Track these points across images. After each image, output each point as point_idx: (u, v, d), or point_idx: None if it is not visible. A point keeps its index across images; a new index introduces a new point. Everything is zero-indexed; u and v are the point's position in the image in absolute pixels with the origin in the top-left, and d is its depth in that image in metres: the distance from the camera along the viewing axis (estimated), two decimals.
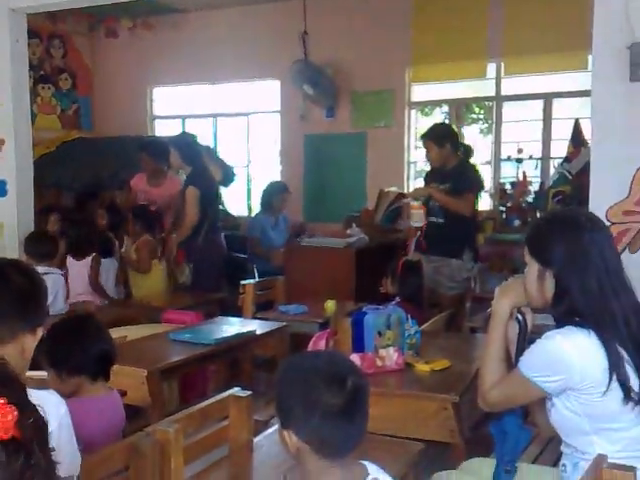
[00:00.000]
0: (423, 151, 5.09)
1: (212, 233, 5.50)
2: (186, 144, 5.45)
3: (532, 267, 1.88)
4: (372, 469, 1.46)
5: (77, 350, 2.21)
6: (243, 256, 6.55)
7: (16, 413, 0.78)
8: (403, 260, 4.51)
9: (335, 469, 1.41)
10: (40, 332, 1.66)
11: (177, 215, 5.80)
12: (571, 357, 1.74)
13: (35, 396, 1.46)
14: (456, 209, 4.67)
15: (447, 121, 7.48)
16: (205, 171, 5.50)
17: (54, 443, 1.43)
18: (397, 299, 3.92)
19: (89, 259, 4.94)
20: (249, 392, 2.21)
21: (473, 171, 4.90)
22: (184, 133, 5.90)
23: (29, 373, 2.67)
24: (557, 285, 1.82)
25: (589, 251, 1.80)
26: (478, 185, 4.78)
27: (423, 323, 3.87)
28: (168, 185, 5.95)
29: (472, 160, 5.19)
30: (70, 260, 4.97)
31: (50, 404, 1.49)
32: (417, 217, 4.94)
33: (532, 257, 1.89)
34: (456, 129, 7.20)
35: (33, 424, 0.82)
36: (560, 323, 1.82)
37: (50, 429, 1.42)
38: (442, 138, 4.79)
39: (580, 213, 1.98)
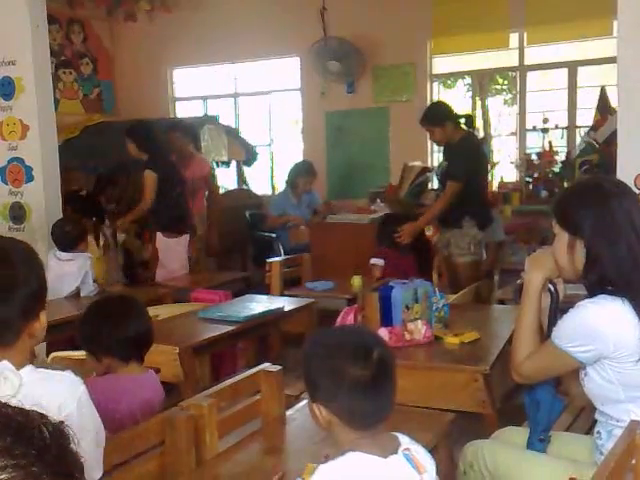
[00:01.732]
0: None
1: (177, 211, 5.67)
2: (140, 134, 5.54)
3: (562, 238, 1.86)
4: (404, 440, 1.46)
5: (105, 332, 2.21)
6: (268, 235, 6.57)
7: None
8: (386, 214, 5.14)
9: (366, 440, 1.42)
10: (44, 316, 1.56)
11: (209, 196, 6.15)
12: (604, 326, 1.73)
13: (52, 377, 1.50)
14: (441, 209, 4.74)
15: (470, 93, 7.42)
16: (163, 157, 5.57)
17: (75, 422, 1.47)
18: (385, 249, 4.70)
19: (184, 237, 5.31)
20: (279, 367, 2.23)
21: (470, 150, 4.80)
22: (140, 122, 6.05)
23: (67, 353, 2.74)
24: (588, 254, 1.80)
25: (618, 217, 1.77)
26: (466, 171, 4.68)
27: (405, 268, 4.40)
28: (196, 167, 6.02)
29: (476, 131, 5.32)
30: (162, 238, 5.23)
31: (67, 384, 1.53)
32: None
33: (561, 227, 1.87)
34: (478, 101, 7.17)
35: None
36: (592, 292, 1.80)
37: (68, 410, 1.47)
38: (440, 118, 4.75)
39: (607, 180, 1.95)
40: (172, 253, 5.30)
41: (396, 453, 1.41)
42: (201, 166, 6.08)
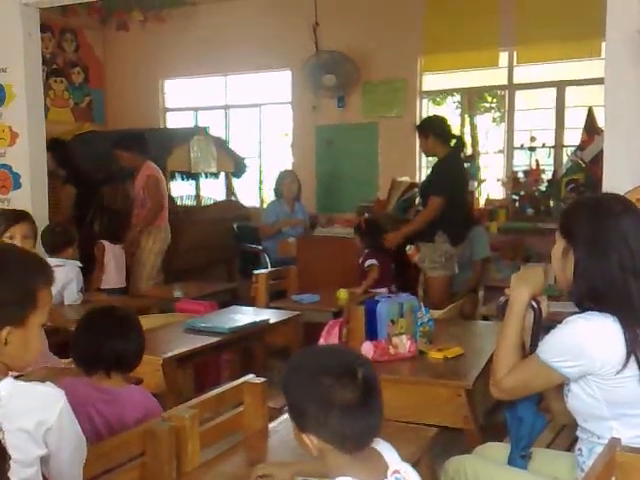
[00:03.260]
0: None
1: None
2: (59, 150, 5.73)
3: (558, 243, 1.90)
4: (391, 459, 1.43)
5: (82, 344, 2.20)
6: (255, 247, 6.57)
7: None
8: (365, 218, 5.40)
9: (358, 463, 1.39)
10: (6, 332, 1.49)
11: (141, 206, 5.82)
12: (593, 342, 1.74)
13: (32, 391, 1.50)
14: (423, 222, 4.85)
15: (459, 110, 7.47)
16: (81, 173, 5.83)
17: (55, 435, 1.50)
18: (366, 251, 5.00)
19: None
20: (263, 379, 2.22)
21: (451, 167, 4.90)
22: (57, 139, 6.08)
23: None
24: (576, 265, 1.83)
25: (611, 236, 1.78)
26: (448, 187, 4.78)
27: (392, 272, 4.79)
28: (140, 175, 5.81)
29: (464, 152, 5.43)
30: (108, 245, 5.36)
31: (48, 398, 1.52)
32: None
33: (560, 234, 1.90)
34: (467, 118, 7.22)
35: None
36: (581, 308, 1.81)
37: (49, 424, 1.48)
38: (425, 130, 4.96)
39: (616, 199, 1.92)
40: (115, 260, 5.39)
41: (386, 477, 1.39)
42: (142, 175, 5.78)
